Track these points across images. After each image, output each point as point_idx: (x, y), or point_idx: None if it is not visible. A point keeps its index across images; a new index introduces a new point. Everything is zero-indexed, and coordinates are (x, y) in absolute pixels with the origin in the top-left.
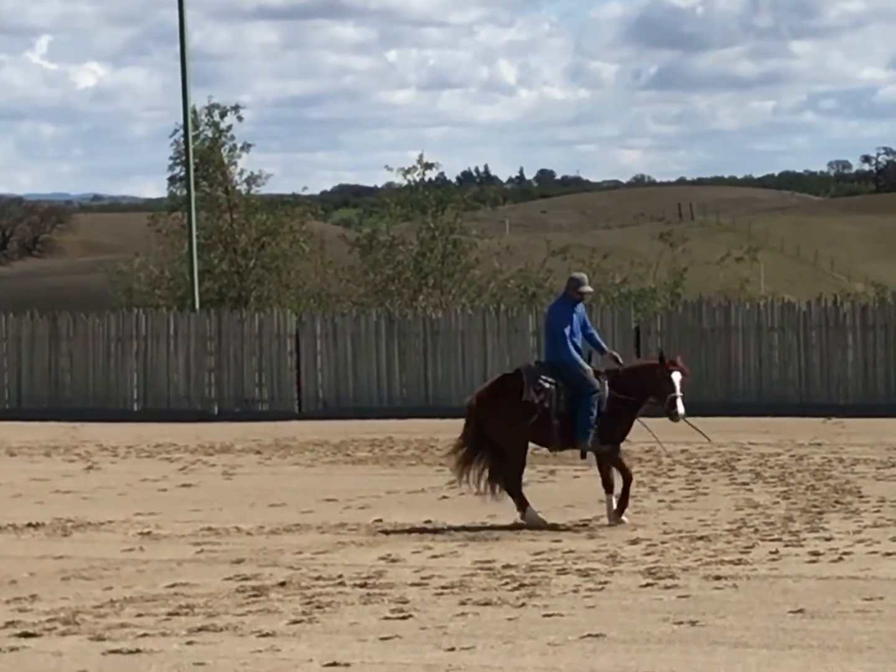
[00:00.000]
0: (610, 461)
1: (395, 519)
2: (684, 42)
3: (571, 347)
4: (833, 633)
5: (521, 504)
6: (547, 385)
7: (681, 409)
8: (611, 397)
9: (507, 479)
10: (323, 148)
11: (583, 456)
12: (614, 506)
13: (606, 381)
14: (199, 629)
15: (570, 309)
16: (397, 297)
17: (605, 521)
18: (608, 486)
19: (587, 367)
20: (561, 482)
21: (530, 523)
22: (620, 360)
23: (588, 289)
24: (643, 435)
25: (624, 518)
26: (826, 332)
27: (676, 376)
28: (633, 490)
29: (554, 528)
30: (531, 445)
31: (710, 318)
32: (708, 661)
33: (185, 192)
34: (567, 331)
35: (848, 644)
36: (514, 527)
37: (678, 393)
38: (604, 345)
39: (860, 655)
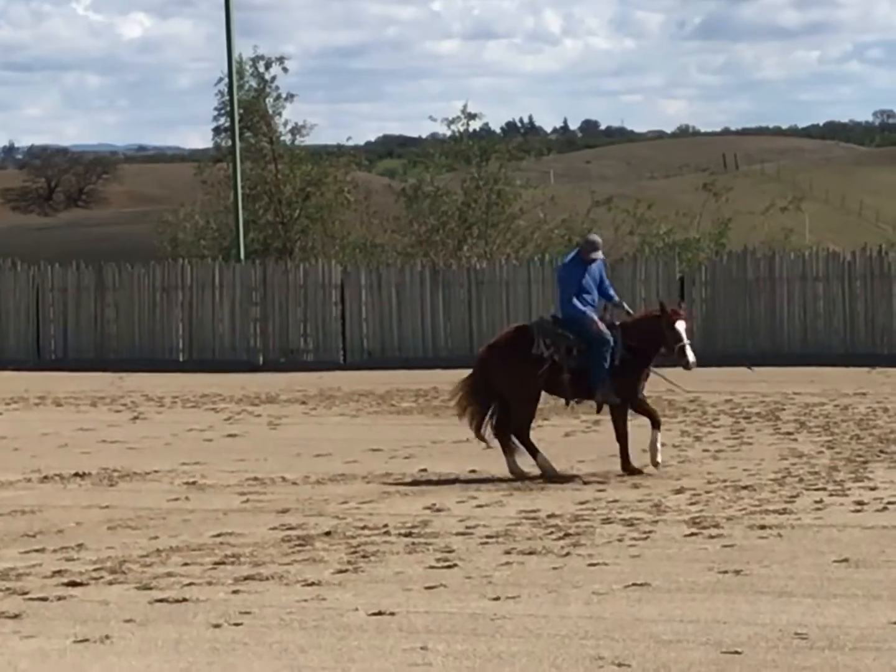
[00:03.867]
0: (623, 414)
1: (440, 469)
2: None
3: (579, 303)
4: (878, 582)
5: (532, 451)
6: (558, 339)
7: (691, 357)
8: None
9: (517, 430)
10: (367, 98)
11: (598, 409)
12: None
13: (619, 334)
14: (245, 578)
15: (580, 268)
16: (442, 247)
17: (649, 470)
18: (619, 437)
19: (596, 319)
20: (605, 432)
21: (543, 469)
22: (630, 311)
23: (598, 255)
24: (686, 384)
25: (657, 464)
26: (871, 282)
27: (681, 325)
28: (676, 440)
29: (563, 478)
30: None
31: (754, 268)
32: (752, 611)
33: (229, 142)
34: (576, 289)
35: (893, 593)
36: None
37: (685, 341)
38: (615, 297)
39: None
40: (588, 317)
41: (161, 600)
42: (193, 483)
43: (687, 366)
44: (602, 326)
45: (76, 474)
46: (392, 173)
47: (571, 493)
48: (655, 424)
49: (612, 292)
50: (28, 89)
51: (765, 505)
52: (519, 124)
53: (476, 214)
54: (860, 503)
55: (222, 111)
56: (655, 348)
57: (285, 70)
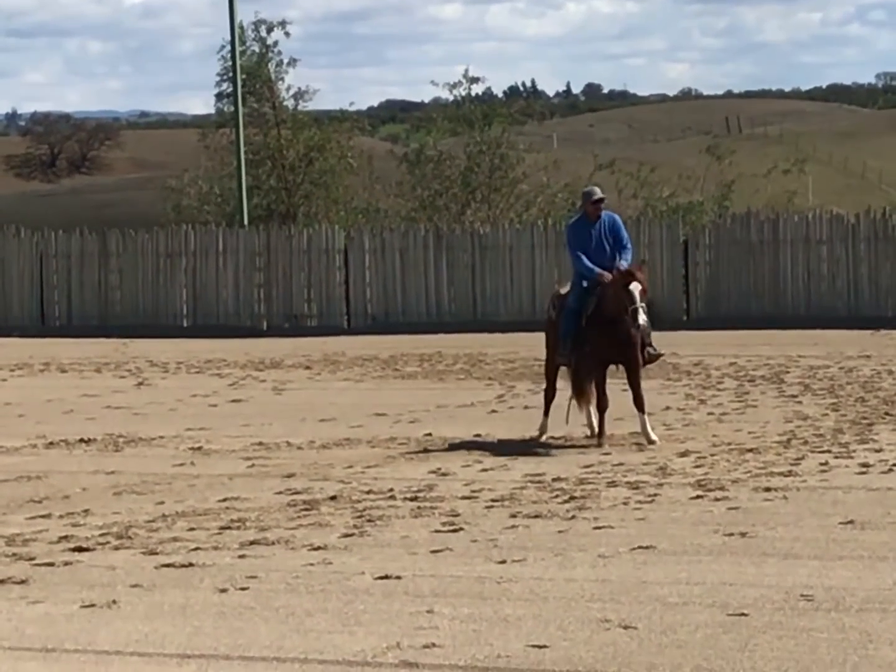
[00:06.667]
0: (581, 379)
1: (445, 433)
2: None
3: (580, 263)
4: (883, 544)
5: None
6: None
7: (642, 320)
8: (591, 314)
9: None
10: (370, 63)
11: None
12: (594, 423)
13: (595, 297)
14: (251, 543)
15: (583, 227)
16: (445, 211)
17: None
18: (598, 405)
19: (585, 282)
20: (610, 396)
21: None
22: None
23: (598, 195)
24: (691, 348)
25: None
26: (875, 245)
27: (634, 287)
28: (681, 403)
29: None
30: None
31: (758, 231)
32: (758, 573)
33: (232, 108)
34: (578, 249)
35: None
36: (564, 440)
37: (638, 304)
38: (623, 261)
39: None
40: (575, 280)
41: (167, 565)
42: (199, 448)
43: (636, 329)
44: (575, 290)
45: (81, 440)
46: (395, 138)
47: (576, 456)
48: (640, 407)
49: (624, 254)
50: (30, 56)
51: (770, 467)
52: (521, 88)
53: (479, 179)
54: (865, 465)
55: (225, 77)
56: (618, 311)
57: (287, 34)
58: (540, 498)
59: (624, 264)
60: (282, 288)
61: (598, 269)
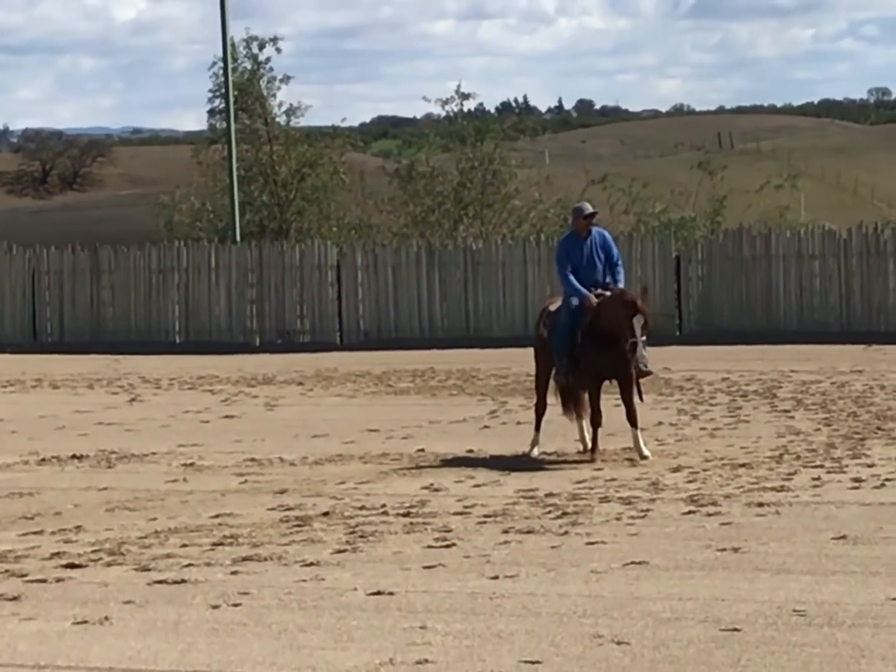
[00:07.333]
0: (577, 396)
1: (438, 448)
2: None
3: (567, 282)
4: (876, 559)
5: (535, 425)
6: (549, 318)
7: (641, 357)
8: (584, 331)
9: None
10: (362, 79)
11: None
12: (587, 438)
13: (587, 315)
14: (244, 559)
15: (573, 243)
16: (437, 227)
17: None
18: (592, 421)
19: (577, 298)
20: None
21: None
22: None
23: (589, 210)
24: (684, 363)
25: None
26: (867, 260)
27: (637, 320)
28: (674, 418)
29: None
30: None
31: (750, 247)
32: (751, 588)
33: (224, 124)
34: (565, 267)
35: (891, 569)
36: (556, 455)
37: (638, 339)
38: (618, 279)
39: None
40: (565, 298)
41: (160, 581)
42: (191, 464)
43: (635, 365)
44: (566, 308)
45: (74, 456)
46: (387, 154)
47: (569, 471)
48: (632, 422)
49: (615, 272)
50: (22, 72)
51: (762, 482)
52: (514, 104)
53: (471, 195)
54: (858, 480)
55: (217, 93)
56: (616, 334)
57: (278, 51)
58: (532, 513)
59: (621, 284)
60: (274, 304)
61: (584, 292)
